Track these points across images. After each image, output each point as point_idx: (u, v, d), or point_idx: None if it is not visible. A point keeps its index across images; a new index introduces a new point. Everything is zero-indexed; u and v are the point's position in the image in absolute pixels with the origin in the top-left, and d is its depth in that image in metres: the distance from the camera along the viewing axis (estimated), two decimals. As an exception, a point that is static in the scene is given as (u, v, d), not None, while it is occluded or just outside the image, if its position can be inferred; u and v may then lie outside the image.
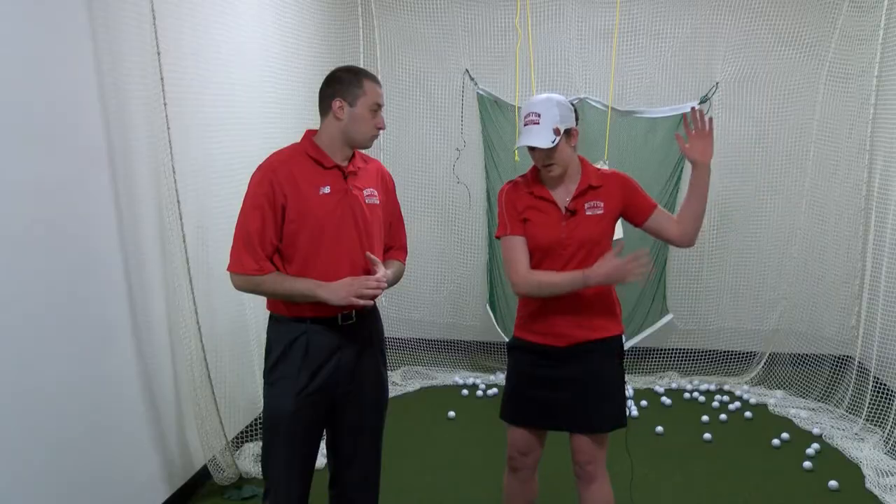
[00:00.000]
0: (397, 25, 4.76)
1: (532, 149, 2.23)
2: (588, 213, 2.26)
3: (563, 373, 2.31)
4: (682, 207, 2.33)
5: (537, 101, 2.25)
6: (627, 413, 4.06)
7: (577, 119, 2.31)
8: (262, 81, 3.72)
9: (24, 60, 2.18)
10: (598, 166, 4.26)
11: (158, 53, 2.73)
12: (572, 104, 2.31)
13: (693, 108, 2.30)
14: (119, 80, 2.62)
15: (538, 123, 2.20)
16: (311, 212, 2.12)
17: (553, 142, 2.19)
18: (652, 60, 4.64)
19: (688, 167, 4.58)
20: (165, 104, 2.77)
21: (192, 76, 3.07)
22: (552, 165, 2.24)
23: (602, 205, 2.27)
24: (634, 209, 2.34)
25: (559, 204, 2.29)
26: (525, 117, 2.25)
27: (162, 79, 2.76)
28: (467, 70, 4.77)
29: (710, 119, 2.28)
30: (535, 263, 2.30)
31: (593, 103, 4.61)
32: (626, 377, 4.54)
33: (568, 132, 2.25)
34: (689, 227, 2.31)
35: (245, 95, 3.54)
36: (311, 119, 2.23)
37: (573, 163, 2.30)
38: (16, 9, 2.15)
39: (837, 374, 4.41)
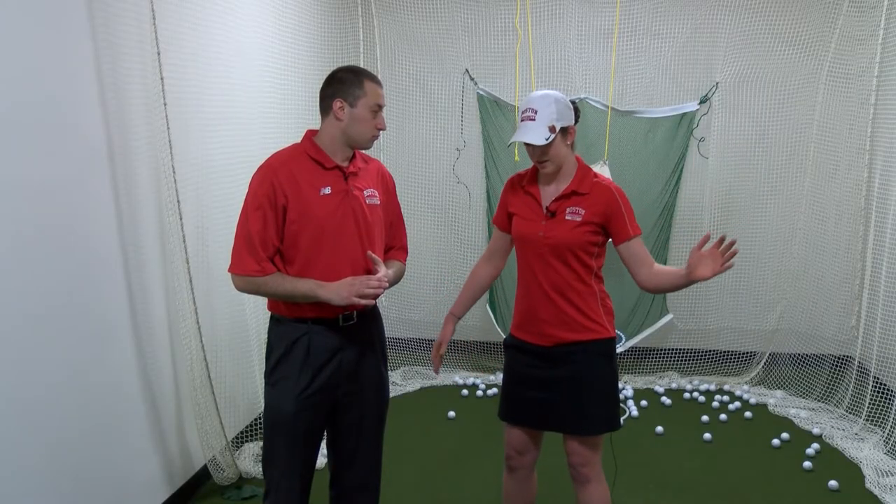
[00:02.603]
0: (397, 25, 4.76)
1: (528, 144, 2.24)
2: (567, 217, 2.25)
3: (552, 373, 2.31)
4: (666, 273, 2.25)
5: (535, 97, 2.24)
6: (627, 413, 4.10)
7: (577, 117, 2.30)
8: (262, 81, 3.72)
9: (23, 60, 2.18)
10: (599, 167, 4.34)
11: (158, 53, 2.73)
12: (573, 102, 2.31)
13: (732, 243, 2.16)
14: (119, 80, 2.62)
15: (534, 120, 2.20)
16: (311, 213, 2.12)
17: (547, 139, 2.19)
18: (652, 60, 4.65)
19: (688, 167, 4.67)
20: (165, 104, 2.77)
21: (192, 76, 3.07)
22: (546, 162, 2.25)
23: (582, 212, 2.24)
24: (612, 230, 2.26)
25: (543, 203, 2.30)
26: (522, 113, 2.25)
27: (162, 79, 2.76)
28: (467, 70, 4.77)
29: (733, 253, 2.17)
30: (518, 252, 2.38)
31: (593, 103, 4.61)
32: (627, 377, 4.62)
33: (564, 130, 2.24)
34: (658, 286, 2.27)
35: (245, 95, 3.54)
36: (312, 119, 2.24)
37: (568, 162, 2.29)
38: (16, 9, 2.15)
39: (837, 374, 4.41)
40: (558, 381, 2.31)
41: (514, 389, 2.41)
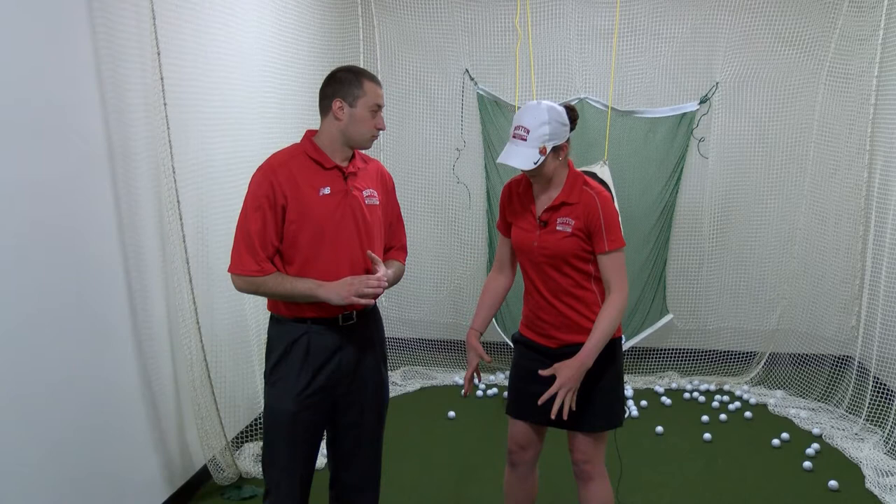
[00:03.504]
0: (397, 25, 4.76)
1: None
2: (558, 227, 2.24)
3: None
4: (597, 319, 2.24)
5: (529, 113, 2.20)
6: (627, 413, 4.09)
7: (574, 123, 2.27)
8: (262, 81, 3.72)
9: (23, 61, 2.18)
10: (599, 167, 4.34)
11: (158, 53, 2.73)
12: (571, 108, 2.27)
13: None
14: (119, 80, 2.62)
15: (525, 140, 2.18)
16: (311, 213, 2.12)
17: (535, 163, 2.16)
18: (652, 60, 4.64)
19: (688, 167, 4.67)
20: (165, 104, 2.77)
21: (192, 76, 3.07)
22: (536, 177, 2.26)
23: (572, 223, 2.23)
24: (592, 242, 2.24)
25: (536, 213, 2.30)
26: (514, 129, 2.21)
27: (162, 79, 2.76)
28: (467, 70, 4.77)
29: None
30: (518, 259, 2.40)
31: (593, 103, 4.61)
32: (627, 377, 4.62)
33: (557, 148, 2.21)
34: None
35: (245, 95, 3.54)
36: (312, 119, 2.24)
37: (561, 172, 2.27)
38: (15, 9, 2.15)
39: (837, 374, 4.41)
40: None
41: (521, 384, 2.42)
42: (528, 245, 2.30)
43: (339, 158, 2.19)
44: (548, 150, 2.18)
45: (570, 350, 2.28)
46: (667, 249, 4.73)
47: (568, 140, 2.25)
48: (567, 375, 2.17)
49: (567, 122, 2.24)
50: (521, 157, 2.18)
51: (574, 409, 2.18)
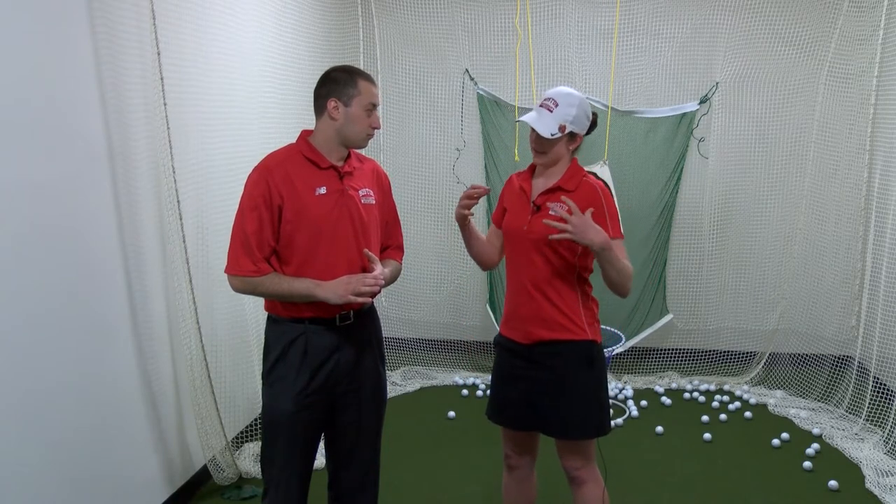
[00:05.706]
0: (397, 25, 4.76)
1: (533, 129, 2.24)
2: (551, 212, 2.24)
3: (534, 374, 2.29)
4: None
5: (563, 91, 2.24)
6: (627, 413, 4.10)
7: (592, 128, 2.30)
8: (262, 81, 3.73)
9: (23, 61, 2.18)
10: (599, 167, 4.34)
11: (158, 53, 2.74)
12: (594, 113, 2.30)
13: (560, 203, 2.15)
14: (119, 80, 2.63)
15: (551, 111, 2.21)
16: (307, 212, 2.12)
17: (552, 135, 2.19)
18: (652, 60, 4.65)
19: (688, 167, 4.67)
20: (165, 104, 2.77)
21: (192, 76, 3.07)
22: (542, 154, 2.26)
23: (565, 208, 2.21)
24: None
25: (531, 197, 2.31)
26: (543, 99, 2.25)
27: (162, 79, 2.76)
28: (467, 70, 4.77)
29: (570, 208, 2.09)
30: (506, 248, 2.38)
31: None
32: (627, 377, 4.62)
33: (573, 135, 2.25)
34: (611, 288, 2.20)
35: (245, 95, 3.54)
36: (311, 119, 2.24)
37: (563, 162, 2.29)
38: (15, 9, 2.15)
39: (837, 374, 4.41)
40: (539, 383, 2.29)
41: (500, 388, 2.41)
42: (517, 229, 2.29)
43: (335, 158, 2.19)
44: (566, 130, 2.20)
45: (544, 348, 2.27)
46: (667, 249, 4.73)
47: (583, 136, 2.29)
48: (580, 218, 2.07)
49: (591, 117, 2.28)
50: (543, 124, 2.20)
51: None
